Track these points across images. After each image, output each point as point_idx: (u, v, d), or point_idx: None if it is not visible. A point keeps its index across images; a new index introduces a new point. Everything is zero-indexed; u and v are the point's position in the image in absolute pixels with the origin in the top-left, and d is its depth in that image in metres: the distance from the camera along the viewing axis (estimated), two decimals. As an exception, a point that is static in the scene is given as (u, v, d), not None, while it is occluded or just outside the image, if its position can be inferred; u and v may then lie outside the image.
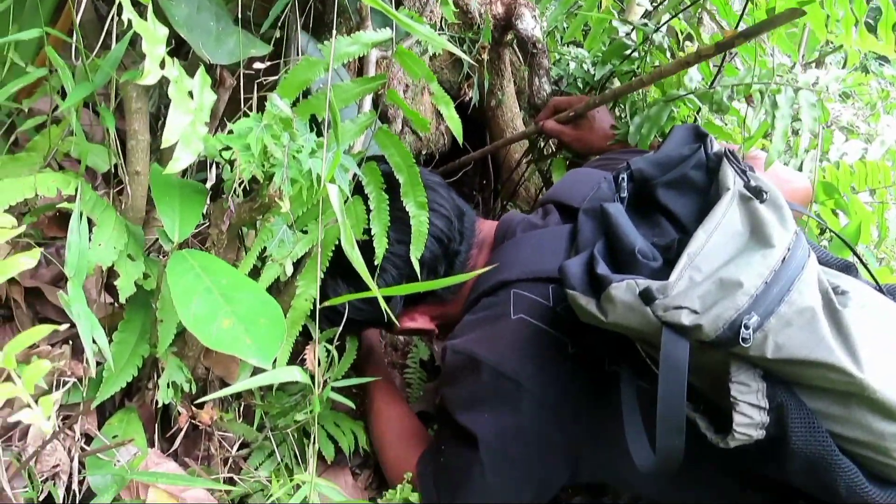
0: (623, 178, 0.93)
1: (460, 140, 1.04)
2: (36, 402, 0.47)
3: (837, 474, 0.72)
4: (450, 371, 1.00)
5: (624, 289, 0.75)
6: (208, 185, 0.98)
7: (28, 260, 0.48)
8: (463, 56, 0.87)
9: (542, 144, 1.63)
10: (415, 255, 0.97)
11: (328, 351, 1.07)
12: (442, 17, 1.43)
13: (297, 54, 1.20)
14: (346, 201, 0.97)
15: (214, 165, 0.98)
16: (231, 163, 0.88)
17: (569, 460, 0.96)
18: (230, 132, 0.86)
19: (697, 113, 1.40)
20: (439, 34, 1.29)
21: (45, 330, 0.46)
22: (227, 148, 0.86)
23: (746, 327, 0.68)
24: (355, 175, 1.00)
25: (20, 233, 0.51)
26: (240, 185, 0.92)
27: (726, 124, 1.62)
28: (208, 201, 0.97)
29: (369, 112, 0.97)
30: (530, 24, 1.50)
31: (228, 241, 0.98)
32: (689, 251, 0.74)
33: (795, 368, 0.70)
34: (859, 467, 0.73)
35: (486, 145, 1.78)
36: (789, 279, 0.70)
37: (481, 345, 0.95)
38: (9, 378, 0.79)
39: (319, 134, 0.93)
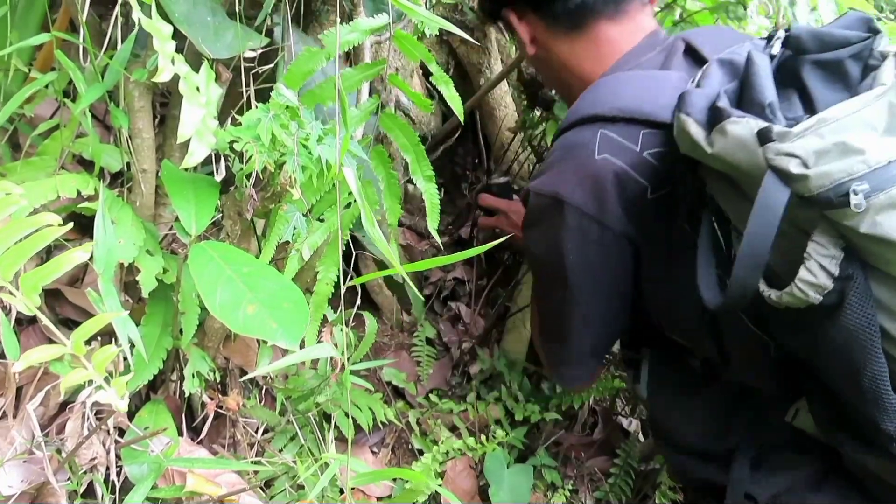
0: (777, 38, 0.86)
1: (461, 117, 1.06)
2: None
3: (869, 362, 0.73)
4: (534, 214, 1.01)
5: (743, 124, 0.74)
6: (217, 178, 1.00)
7: (82, 254, 0.50)
8: (463, 34, 0.90)
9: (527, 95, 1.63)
10: (432, 226, 1.01)
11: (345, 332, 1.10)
12: (428, -1, 1.44)
13: (291, 43, 1.22)
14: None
15: (222, 158, 1.00)
16: (240, 155, 0.90)
17: (634, 296, 1.01)
18: (238, 124, 0.88)
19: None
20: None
21: (107, 318, 0.49)
22: (236, 140, 0.88)
23: (855, 193, 0.68)
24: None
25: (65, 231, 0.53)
26: (247, 177, 0.95)
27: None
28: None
29: (374, 97, 0.99)
30: (515, 1, 1.52)
31: (242, 231, 1.00)
32: (821, 116, 0.72)
33: (881, 249, 0.70)
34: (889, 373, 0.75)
35: (476, 125, 1.81)
36: None
37: (565, 185, 0.95)
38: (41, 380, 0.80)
39: (323, 122, 0.95)
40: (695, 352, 1.06)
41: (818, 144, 0.70)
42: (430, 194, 1.02)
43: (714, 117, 0.78)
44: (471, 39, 1.00)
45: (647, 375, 1.13)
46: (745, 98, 0.80)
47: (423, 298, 1.50)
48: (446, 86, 1.00)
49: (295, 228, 0.97)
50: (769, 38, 0.88)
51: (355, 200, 0.91)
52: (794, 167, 0.70)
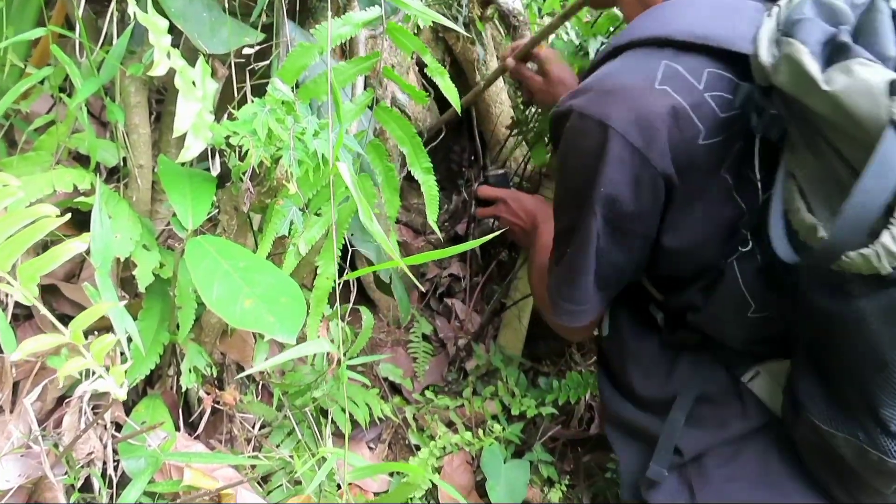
0: None
1: (458, 107, 1.05)
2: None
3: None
4: (572, 135, 0.91)
5: (874, 69, 0.68)
6: (214, 173, 1.00)
7: (79, 244, 0.50)
8: (456, 27, 0.90)
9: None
10: (431, 218, 1.00)
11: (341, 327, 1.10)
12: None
13: (287, 39, 1.22)
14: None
15: (218, 153, 1.00)
16: (237, 149, 0.91)
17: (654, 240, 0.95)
18: (234, 119, 0.89)
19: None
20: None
21: (104, 308, 0.49)
22: (232, 134, 0.88)
23: None
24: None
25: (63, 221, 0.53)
26: (244, 171, 0.95)
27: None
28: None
29: (368, 91, 0.99)
30: (510, -3, 1.53)
31: (239, 226, 1.00)
32: None
33: None
34: None
35: (472, 122, 1.81)
36: None
37: (615, 111, 0.87)
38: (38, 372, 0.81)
39: (319, 117, 0.95)
40: (667, 301, 1.02)
41: None
42: (429, 186, 1.01)
43: (834, 53, 0.71)
44: (465, 33, 0.99)
45: (610, 311, 1.09)
46: (861, 45, 0.72)
47: (408, 298, 1.49)
48: (441, 77, 0.99)
49: (291, 223, 0.98)
50: None
51: (352, 195, 0.91)
52: None
